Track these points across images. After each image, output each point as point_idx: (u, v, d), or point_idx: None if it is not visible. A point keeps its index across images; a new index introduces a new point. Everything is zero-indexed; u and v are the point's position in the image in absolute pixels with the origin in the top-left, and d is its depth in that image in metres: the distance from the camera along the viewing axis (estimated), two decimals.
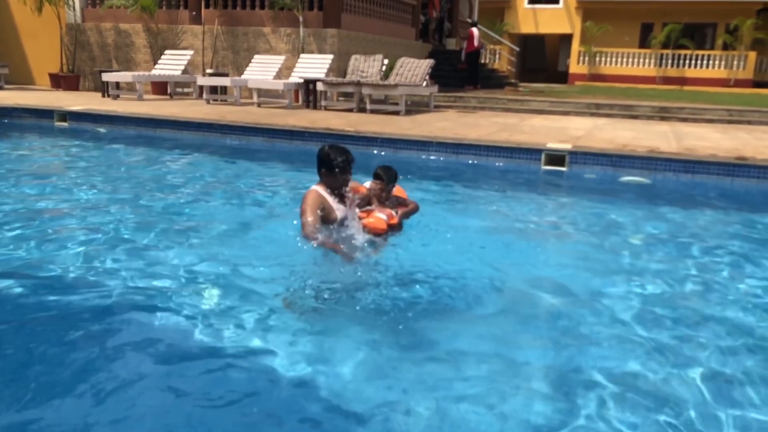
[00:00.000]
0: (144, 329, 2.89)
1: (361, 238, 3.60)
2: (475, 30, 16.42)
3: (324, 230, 3.66)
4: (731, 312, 3.23)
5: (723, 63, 24.57)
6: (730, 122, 11.47)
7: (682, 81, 24.51)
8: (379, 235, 3.64)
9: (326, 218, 3.64)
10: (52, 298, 3.24)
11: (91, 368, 2.53)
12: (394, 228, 3.72)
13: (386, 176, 3.80)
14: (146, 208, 4.99)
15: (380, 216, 3.65)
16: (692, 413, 2.27)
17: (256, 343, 2.73)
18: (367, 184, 3.89)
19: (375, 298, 3.17)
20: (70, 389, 2.36)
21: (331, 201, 3.68)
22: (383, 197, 3.80)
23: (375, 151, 7.58)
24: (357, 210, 3.70)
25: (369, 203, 3.78)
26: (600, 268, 3.83)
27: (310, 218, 3.57)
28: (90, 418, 2.20)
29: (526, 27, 28.25)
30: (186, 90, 14.02)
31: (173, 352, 2.69)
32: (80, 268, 3.54)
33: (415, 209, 3.94)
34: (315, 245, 3.48)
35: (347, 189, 3.65)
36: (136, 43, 14.60)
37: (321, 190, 3.70)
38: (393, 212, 3.73)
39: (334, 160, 3.61)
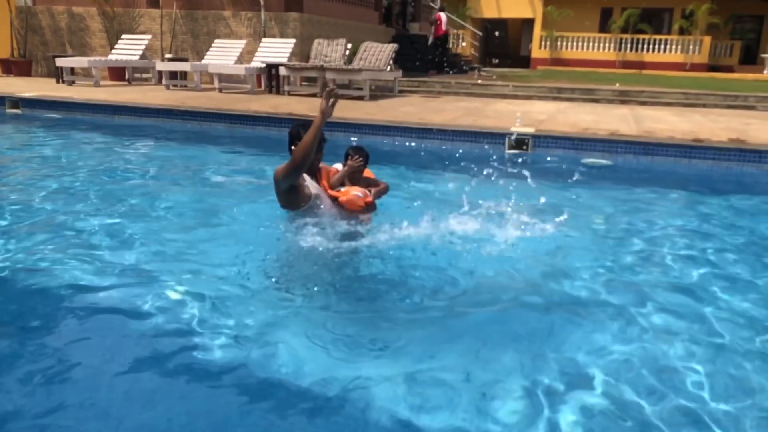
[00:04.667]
0: (112, 324, 2.81)
1: (335, 212, 3.61)
2: (442, 14, 16.42)
3: (298, 217, 3.62)
4: (693, 287, 3.33)
5: (679, 47, 25.10)
6: (686, 105, 11.75)
7: (641, 65, 24.97)
8: (355, 211, 3.65)
9: (300, 194, 3.59)
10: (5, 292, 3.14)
11: (53, 366, 2.46)
12: (368, 206, 3.73)
13: (364, 153, 3.82)
14: (105, 198, 4.86)
15: (356, 193, 3.66)
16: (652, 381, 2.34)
17: (229, 333, 2.68)
18: (337, 165, 3.89)
19: (343, 285, 3.17)
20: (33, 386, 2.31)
21: (304, 176, 3.62)
22: (357, 177, 3.81)
23: (339, 136, 7.53)
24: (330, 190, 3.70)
25: (342, 184, 3.78)
26: (564, 250, 3.88)
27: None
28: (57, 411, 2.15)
29: (489, 11, 28.34)
30: (144, 75, 13.67)
31: (144, 346, 2.63)
32: (37, 260, 3.44)
33: (386, 189, 3.96)
34: (306, 151, 3.35)
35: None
36: (91, 27, 14.15)
37: None
38: (367, 191, 3.74)
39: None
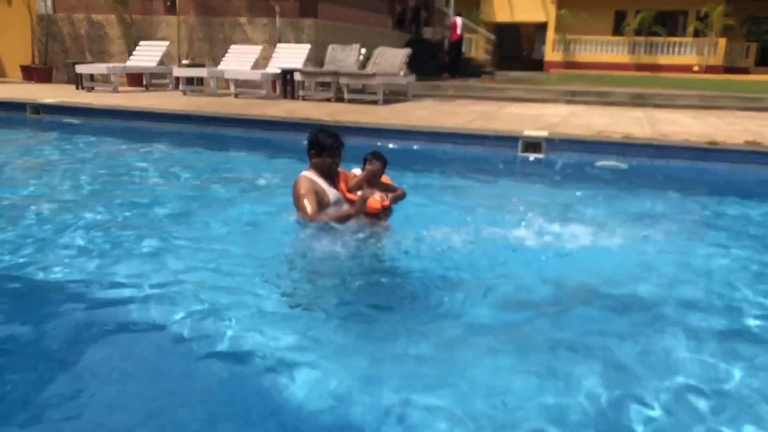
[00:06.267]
0: (129, 326, 2.87)
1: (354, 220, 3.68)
2: (458, 19, 16.49)
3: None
4: (707, 290, 3.35)
5: (694, 49, 24.94)
6: (701, 108, 11.67)
7: (655, 68, 24.84)
8: (374, 215, 3.70)
9: (319, 202, 3.67)
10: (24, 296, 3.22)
11: (68, 371, 2.53)
12: (386, 210, 3.78)
13: (382, 159, 3.88)
14: (124, 202, 4.95)
15: (374, 197, 3.71)
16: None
17: (244, 337, 2.72)
18: (356, 170, 3.94)
19: (360, 289, 3.22)
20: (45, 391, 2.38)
21: (323, 184, 3.71)
22: (375, 182, 3.85)
23: (354, 140, 7.59)
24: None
25: (360, 188, 3.84)
26: (579, 253, 3.90)
27: (309, 201, 3.60)
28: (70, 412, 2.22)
29: (502, 15, 28.36)
30: (162, 81, 13.83)
31: (156, 349, 2.69)
32: (57, 264, 3.52)
33: (403, 195, 4.01)
34: (324, 222, 3.54)
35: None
36: (110, 34, 14.37)
37: (311, 174, 3.73)
38: (384, 195, 3.79)
39: (324, 143, 3.65)
